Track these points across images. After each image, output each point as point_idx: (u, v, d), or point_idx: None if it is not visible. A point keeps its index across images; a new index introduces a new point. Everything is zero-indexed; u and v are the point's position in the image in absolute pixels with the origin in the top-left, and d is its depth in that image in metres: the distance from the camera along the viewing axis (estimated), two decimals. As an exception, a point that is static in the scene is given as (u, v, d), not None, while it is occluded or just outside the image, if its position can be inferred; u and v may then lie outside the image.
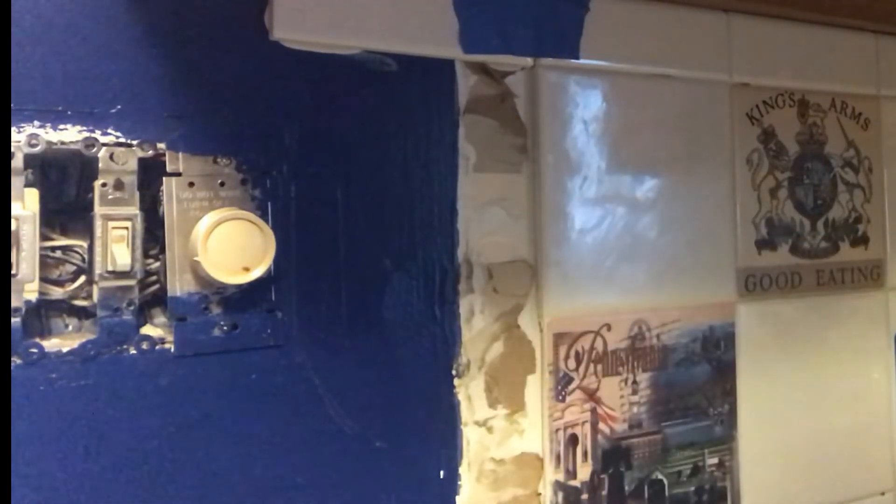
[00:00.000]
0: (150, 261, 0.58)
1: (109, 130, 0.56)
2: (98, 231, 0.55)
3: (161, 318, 0.59)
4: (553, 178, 0.72)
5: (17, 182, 0.53)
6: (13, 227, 0.52)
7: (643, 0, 0.77)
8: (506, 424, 0.70)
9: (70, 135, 0.55)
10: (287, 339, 0.62)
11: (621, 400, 0.75)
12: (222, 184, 0.59)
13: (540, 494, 0.72)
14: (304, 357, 0.62)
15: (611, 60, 0.75)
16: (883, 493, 0.91)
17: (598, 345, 0.74)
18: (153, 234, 0.58)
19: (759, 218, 0.84)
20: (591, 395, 0.74)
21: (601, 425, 0.74)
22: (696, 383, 0.80)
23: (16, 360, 0.53)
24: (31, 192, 0.54)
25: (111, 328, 0.56)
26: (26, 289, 0.53)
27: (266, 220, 0.59)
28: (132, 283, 0.56)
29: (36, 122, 0.54)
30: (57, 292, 0.56)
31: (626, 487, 0.76)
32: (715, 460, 0.81)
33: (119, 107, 0.56)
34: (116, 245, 0.55)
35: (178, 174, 0.58)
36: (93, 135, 0.55)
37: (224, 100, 0.60)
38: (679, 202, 0.79)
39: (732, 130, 0.83)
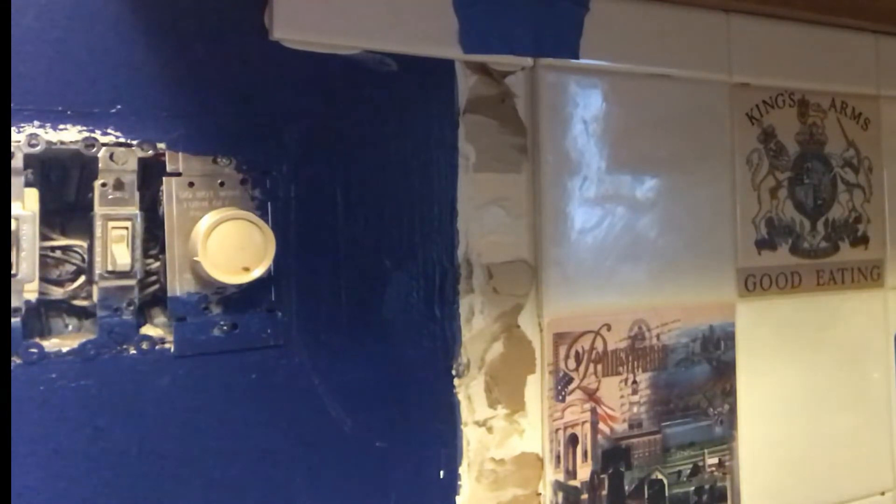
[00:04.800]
0: (150, 261, 0.58)
1: (109, 130, 0.56)
2: (98, 231, 0.55)
3: (161, 318, 0.59)
4: (553, 178, 0.72)
5: (17, 182, 0.53)
6: (13, 227, 0.52)
7: (643, 0, 0.77)
8: (506, 424, 0.70)
9: (70, 135, 0.55)
10: (287, 339, 0.62)
11: (621, 400, 0.75)
12: (222, 184, 0.59)
13: (540, 494, 0.72)
14: (304, 357, 0.62)
15: (611, 60, 0.75)
16: (883, 493, 0.91)
17: (598, 345, 0.74)
18: (153, 234, 0.58)
19: (759, 218, 0.84)
20: (591, 395, 0.74)
21: (601, 425, 0.74)
22: (696, 383, 0.80)
23: (16, 360, 0.53)
24: (31, 192, 0.54)
25: (111, 328, 0.56)
26: (26, 289, 0.53)
27: (266, 220, 0.59)
28: (132, 283, 0.56)
29: (36, 122, 0.54)
30: (57, 292, 0.56)
31: (626, 487, 0.76)
32: (715, 460, 0.81)
33: (119, 107, 0.56)
34: (116, 245, 0.55)
35: (178, 174, 0.58)
36: (93, 135, 0.55)
37: (224, 100, 0.60)
38: (679, 202, 0.79)
39: (732, 130, 0.83)
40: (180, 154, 0.58)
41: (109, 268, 0.55)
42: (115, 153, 0.56)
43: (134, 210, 0.56)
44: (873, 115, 0.92)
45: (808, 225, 0.88)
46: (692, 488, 0.79)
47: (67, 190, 0.57)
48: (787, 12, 0.85)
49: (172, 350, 0.58)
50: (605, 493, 0.74)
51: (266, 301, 0.61)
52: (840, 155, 0.90)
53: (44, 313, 0.56)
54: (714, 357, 0.81)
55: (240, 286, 0.58)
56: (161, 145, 0.57)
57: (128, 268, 0.56)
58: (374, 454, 0.65)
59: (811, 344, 0.88)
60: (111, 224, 0.56)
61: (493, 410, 0.70)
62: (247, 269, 0.57)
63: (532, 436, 0.71)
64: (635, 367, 0.76)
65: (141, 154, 0.57)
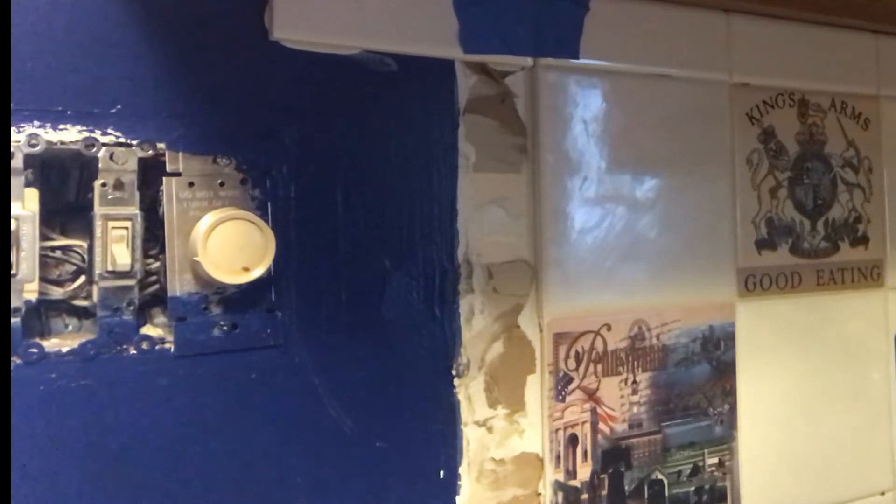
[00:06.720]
0: (150, 261, 0.58)
1: (109, 130, 0.56)
2: (98, 231, 0.55)
3: (161, 318, 0.59)
4: (553, 178, 0.72)
5: (17, 182, 0.53)
6: (13, 227, 0.52)
7: (643, 0, 0.77)
8: (506, 424, 0.70)
9: (70, 135, 0.55)
10: (287, 339, 0.62)
11: (621, 400, 0.75)
12: (222, 184, 0.59)
13: (540, 494, 0.72)
14: (304, 357, 0.62)
15: (611, 60, 0.75)
16: (883, 493, 0.91)
17: (598, 345, 0.74)
18: (153, 234, 0.58)
19: (759, 218, 0.84)
20: (591, 395, 0.74)
21: (601, 425, 0.74)
22: (696, 383, 0.80)
23: (16, 360, 0.53)
24: (31, 192, 0.54)
25: (111, 328, 0.56)
26: (26, 289, 0.53)
27: (266, 220, 0.59)
28: (132, 283, 0.56)
29: (36, 122, 0.54)
30: (57, 292, 0.56)
31: (626, 487, 0.76)
32: (715, 460, 0.81)
33: (119, 107, 0.56)
34: (116, 245, 0.55)
35: (178, 174, 0.58)
36: (93, 135, 0.55)
37: (224, 100, 0.60)
38: (679, 202, 0.79)
39: (732, 130, 0.83)
40: (180, 154, 0.58)
41: (109, 268, 0.55)
42: (115, 153, 0.56)
43: (134, 210, 0.56)
44: (873, 115, 0.92)
45: (808, 225, 0.88)
46: (692, 488, 0.79)
47: (67, 190, 0.57)
48: (787, 12, 0.85)
49: (172, 350, 0.58)
50: (605, 493, 0.74)
51: (266, 301, 0.61)
52: (840, 155, 0.90)
53: (44, 313, 0.56)
54: (714, 357, 0.81)
55: (240, 286, 0.58)
56: (161, 145, 0.57)
57: (128, 268, 0.56)
58: (374, 454, 0.65)
59: (811, 344, 0.88)
60: (111, 224, 0.56)
61: (493, 410, 0.70)
62: (247, 269, 0.57)
63: (532, 436, 0.71)
64: (635, 367, 0.76)
65: (141, 154, 0.57)
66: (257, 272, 0.58)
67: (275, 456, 0.61)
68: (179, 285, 0.58)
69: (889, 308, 0.93)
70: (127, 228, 0.56)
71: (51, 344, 0.55)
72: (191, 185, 0.58)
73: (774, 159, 0.86)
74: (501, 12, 0.70)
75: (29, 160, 0.54)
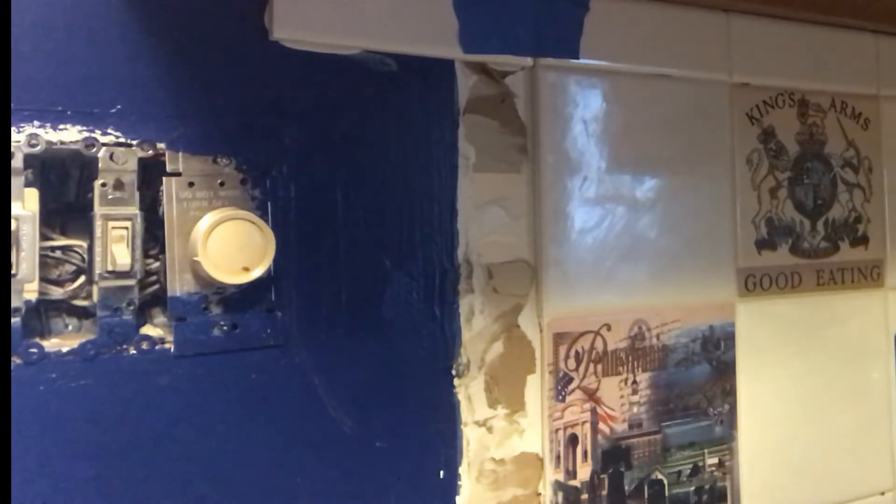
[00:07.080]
0: (150, 261, 0.58)
1: (109, 130, 0.56)
2: (98, 231, 0.55)
3: (161, 318, 0.59)
4: (553, 178, 0.72)
5: (17, 182, 0.53)
6: (13, 227, 0.52)
7: (643, 0, 0.77)
8: (506, 424, 0.70)
9: (70, 135, 0.55)
10: (287, 339, 0.62)
11: (621, 400, 0.75)
12: (222, 184, 0.59)
13: (540, 494, 0.72)
14: (304, 357, 0.62)
15: (611, 60, 0.75)
16: (883, 493, 0.91)
17: (598, 345, 0.74)
18: (153, 234, 0.58)
19: (759, 218, 0.84)
20: (591, 395, 0.74)
21: (601, 425, 0.74)
22: (696, 383, 0.80)
23: (16, 360, 0.53)
24: (31, 192, 0.54)
25: (111, 328, 0.56)
26: (26, 289, 0.53)
27: (266, 220, 0.59)
28: (132, 283, 0.56)
29: (36, 122, 0.54)
30: (57, 292, 0.56)
31: (626, 487, 0.76)
32: (715, 460, 0.81)
33: (119, 107, 0.56)
34: (116, 245, 0.55)
35: (178, 174, 0.58)
36: (93, 135, 0.55)
37: (224, 100, 0.60)
38: (679, 202, 0.79)
39: (732, 130, 0.83)
40: (180, 154, 0.58)
41: (109, 268, 0.55)
42: (115, 153, 0.56)
43: (134, 210, 0.56)
44: (873, 115, 0.92)
45: (808, 225, 0.88)
46: (692, 488, 0.79)
47: (67, 190, 0.57)
48: (787, 12, 0.85)
49: (172, 350, 0.58)
50: (605, 493, 0.74)
51: (266, 301, 0.61)
52: (840, 155, 0.90)
53: (44, 313, 0.56)
54: (714, 357, 0.81)
55: (240, 286, 0.58)
56: (161, 145, 0.57)
57: (128, 268, 0.56)
58: (374, 454, 0.65)
59: (811, 344, 0.88)
60: (111, 224, 0.56)
61: (493, 410, 0.70)
62: (247, 269, 0.57)
63: (532, 436, 0.71)
64: (635, 367, 0.76)
65: (141, 154, 0.57)
66: (257, 272, 0.58)
67: (275, 456, 0.61)
68: (179, 285, 0.58)
69: (889, 308, 0.93)
70: (127, 228, 0.56)
71: (51, 344, 0.55)
72: (191, 185, 0.58)
73: (774, 159, 0.86)
74: (501, 12, 0.70)
75: (29, 160, 0.54)
